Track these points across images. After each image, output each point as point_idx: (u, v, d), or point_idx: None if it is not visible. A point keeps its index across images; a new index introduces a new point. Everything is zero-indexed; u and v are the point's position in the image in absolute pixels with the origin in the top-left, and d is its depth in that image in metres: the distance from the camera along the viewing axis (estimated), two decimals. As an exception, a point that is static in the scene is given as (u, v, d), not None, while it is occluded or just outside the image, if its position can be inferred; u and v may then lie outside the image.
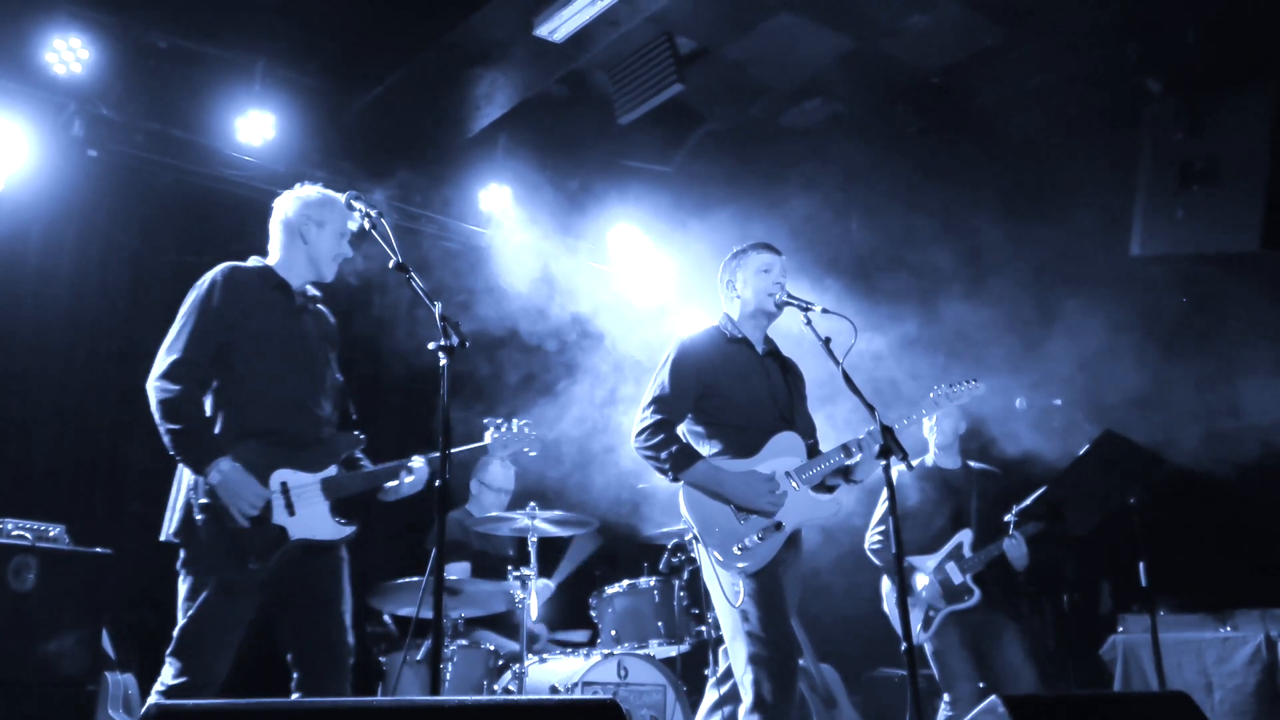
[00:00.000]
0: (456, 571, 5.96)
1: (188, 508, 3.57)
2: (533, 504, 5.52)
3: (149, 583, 6.03)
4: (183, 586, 3.57)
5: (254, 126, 6.60)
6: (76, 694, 4.84)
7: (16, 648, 4.68)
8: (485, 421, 4.12)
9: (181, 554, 3.60)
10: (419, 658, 5.37)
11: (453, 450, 4.00)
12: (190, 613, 3.52)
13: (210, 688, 3.49)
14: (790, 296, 4.23)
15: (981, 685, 5.51)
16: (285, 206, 4.01)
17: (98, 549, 5.03)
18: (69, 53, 6.03)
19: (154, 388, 3.61)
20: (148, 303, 6.59)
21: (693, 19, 6.60)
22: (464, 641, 5.45)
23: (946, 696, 5.48)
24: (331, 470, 3.78)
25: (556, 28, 6.14)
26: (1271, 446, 6.35)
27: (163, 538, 3.67)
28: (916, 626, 5.53)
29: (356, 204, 3.86)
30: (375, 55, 6.80)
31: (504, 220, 7.61)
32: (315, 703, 3.37)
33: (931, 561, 5.61)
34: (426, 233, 7.54)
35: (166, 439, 3.57)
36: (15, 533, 4.86)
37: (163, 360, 3.63)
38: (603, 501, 6.74)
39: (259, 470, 3.60)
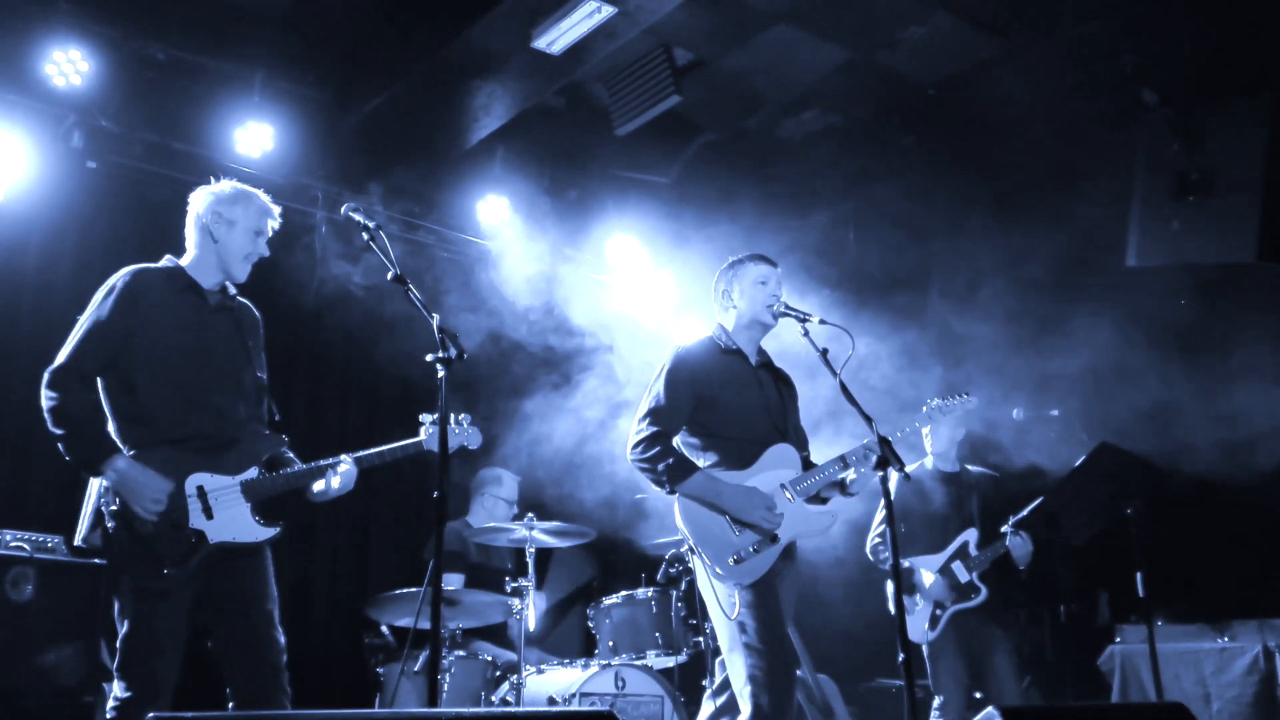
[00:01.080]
0: (451, 583, 5.95)
1: (98, 514, 3.53)
2: (531, 515, 5.53)
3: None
4: (113, 600, 3.54)
5: (253, 138, 6.62)
6: (74, 705, 4.83)
7: (14, 658, 4.68)
8: (421, 418, 4.02)
9: (104, 565, 3.57)
10: (417, 668, 5.36)
11: (387, 448, 3.98)
12: (125, 625, 3.49)
13: (159, 700, 3.44)
14: (787, 307, 4.24)
15: (978, 695, 5.52)
16: (197, 203, 3.94)
17: (95, 560, 5.03)
18: (68, 65, 6.04)
19: (42, 397, 3.58)
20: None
21: (690, 31, 6.63)
22: (462, 652, 5.45)
23: (938, 700, 5.50)
24: (252, 472, 3.72)
25: (554, 40, 6.16)
26: (1269, 456, 6.36)
27: (76, 543, 3.63)
28: (924, 625, 5.55)
29: (355, 215, 3.78)
30: (374, 67, 6.82)
31: (502, 231, 7.63)
32: (318, 714, 3.38)
33: (937, 561, 5.63)
34: (424, 244, 7.55)
35: (60, 446, 3.53)
36: (13, 544, 4.86)
37: (51, 369, 3.60)
38: (600, 512, 6.74)
39: (172, 476, 3.55)
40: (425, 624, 3.43)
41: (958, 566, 5.59)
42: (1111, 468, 5.34)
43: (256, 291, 4.16)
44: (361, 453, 3.92)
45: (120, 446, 3.56)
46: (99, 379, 3.66)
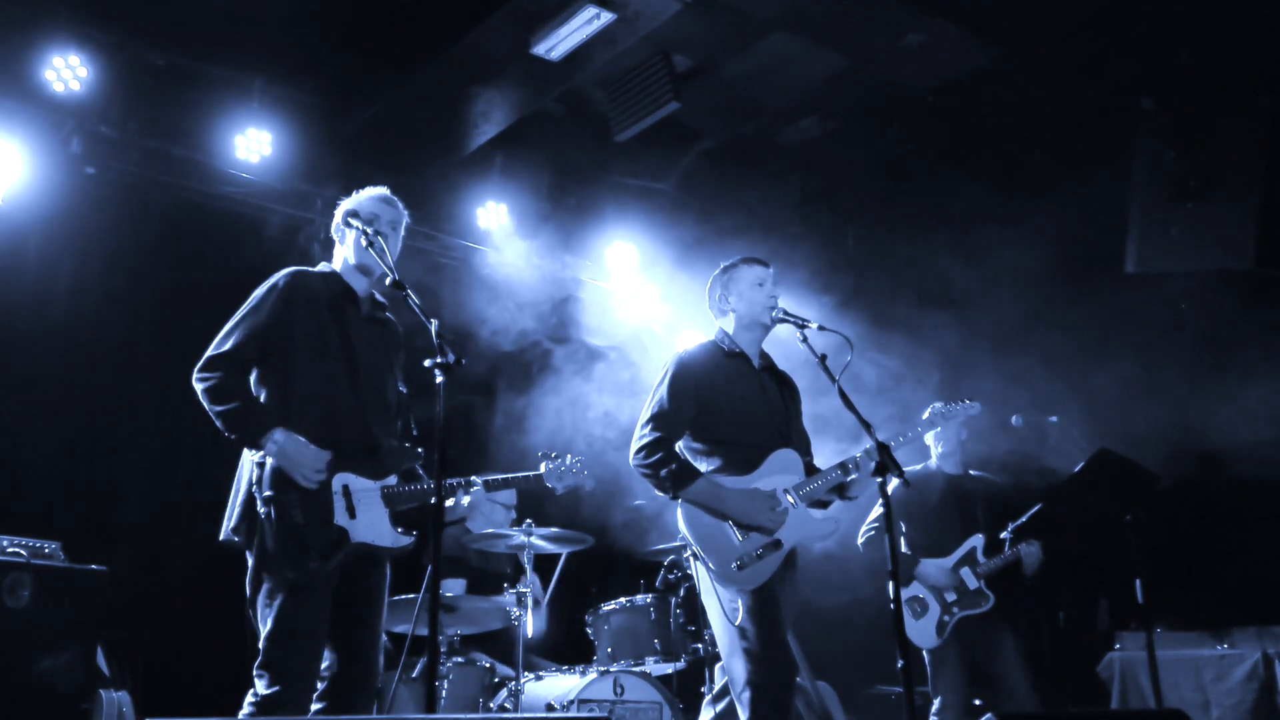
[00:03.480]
0: (452, 588, 5.94)
1: (250, 502, 3.53)
2: (529, 521, 5.52)
3: (144, 600, 6.06)
4: (257, 595, 3.51)
5: (251, 144, 6.62)
6: (71, 712, 4.81)
7: (11, 665, 4.66)
8: (540, 455, 4.11)
9: (248, 558, 3.55)
10: (414, 675, 5.35)
11: (506, 476, 4.02)
12: (270, 620, 3.45)
13: (304, 697, 3.44)
14: (786, 314, 4.23)
15: (977, 702, 5.51)
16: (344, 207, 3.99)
17: (93, 566, 5.02)
18: (68, 70, 6.05)
19: (196, 380, 3.61)
20: (145, 319, 6.60)
21: (689, 38, 6.64)
22: (460, 659, 5.44)
23: (936, 703, 5.49)
24: (391, 480, 3.74)
25: (553, 46, 6.17)
26: (1266, 463, 6.36)
27: (222, 537, 3.63)
28: (932, 631, 5.54)
29: (354, 221, 3.84)
30: (373, 73, 6.83)
31: (501, 237, 7.63)
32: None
33: (943, 565, 5.60)
34: (423, 249, 7.55)
35: (219, 423, 3.55)
36: (10, 550, 4.85)
37: (206, 355, 3.64)
38: (598, 518, 6.72)
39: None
40: (423, 630, 3.42)
41: (965, 573, 5.57)
42: (1110, 475, 5.34)
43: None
44: (488, 476, 3.95)
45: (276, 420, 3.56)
46: (253, 371, 3.70)
